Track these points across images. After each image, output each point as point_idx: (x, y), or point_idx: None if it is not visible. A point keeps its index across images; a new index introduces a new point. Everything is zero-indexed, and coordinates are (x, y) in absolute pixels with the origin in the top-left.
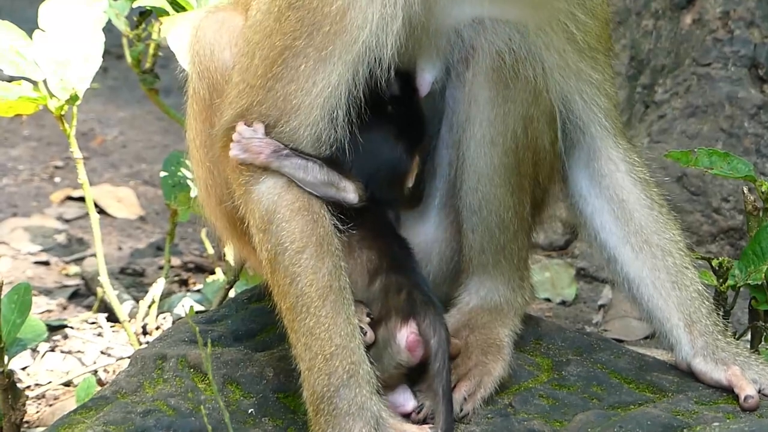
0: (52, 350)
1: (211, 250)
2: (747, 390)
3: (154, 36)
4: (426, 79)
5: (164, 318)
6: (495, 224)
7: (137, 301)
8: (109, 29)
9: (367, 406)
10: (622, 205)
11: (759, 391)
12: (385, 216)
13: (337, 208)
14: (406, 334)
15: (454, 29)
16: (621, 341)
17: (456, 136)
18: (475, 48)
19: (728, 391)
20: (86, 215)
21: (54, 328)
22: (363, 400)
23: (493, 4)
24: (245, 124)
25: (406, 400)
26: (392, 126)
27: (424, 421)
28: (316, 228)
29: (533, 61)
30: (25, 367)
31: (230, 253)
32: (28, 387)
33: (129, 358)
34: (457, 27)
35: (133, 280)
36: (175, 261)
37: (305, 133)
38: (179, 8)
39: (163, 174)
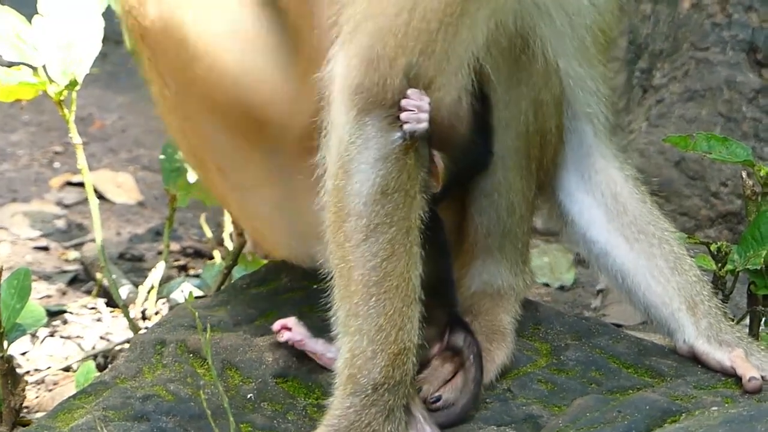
0: (52, 335)
1: (210, 235)
2: (751, 371)
3: None
4: None
5: (163, 303)
6: (503, 208)
7: (136, 286)
8: (108, 15)
9: (401, 409)
10: (616, 198)
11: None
12: (438, 215)
13: None
14: (438, 348)
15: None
16: (620, 326)
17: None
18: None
19: (728, 376)
20: (85, 200)
21: (53, 314)
22: (400, 403)
23: None
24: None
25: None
26: (477, 121)
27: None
28: (419, 210)
29: (548, 45)
30: (25, 353)
31: (229, 238)
32: (28, 372)
33: (128, 343)
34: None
35: (132, 265)
36: (174, 246)
37: (446, 99)
38: None
39: (162, 159)
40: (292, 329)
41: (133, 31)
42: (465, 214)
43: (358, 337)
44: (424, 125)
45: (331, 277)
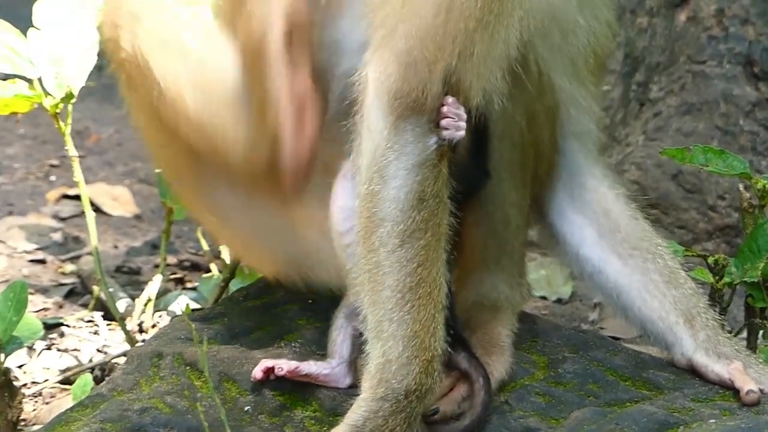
0: (49, 348)
1: (206, 248)
2: (749, 384)
3: None
4: None
5: (160, 316)
6: (499, 219)
7: (133, 299)
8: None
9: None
10: (608, 215)
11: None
12: None
13: None
14: None
15: None
16: (617, 339)
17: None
18: None
19: (726, 388)
20: (82, 213)
21: (50, 326)
22: (421, 411)
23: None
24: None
25: None
26: (475, 140)
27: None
28: (447, 215)
29: (542, 60)
30: (22, 365)
31: (226, 251)
32: (25, 385)
33: (125, 356)
34: None
35: (129, 278)
36: (171, 259)
37: (478, 102)
38: None
39: (158, 172)
40: (275, 366)
41: (111, 58)
42: (461, 226)
43: (393, 342)
44: (462, 133)
45: (361, 282)
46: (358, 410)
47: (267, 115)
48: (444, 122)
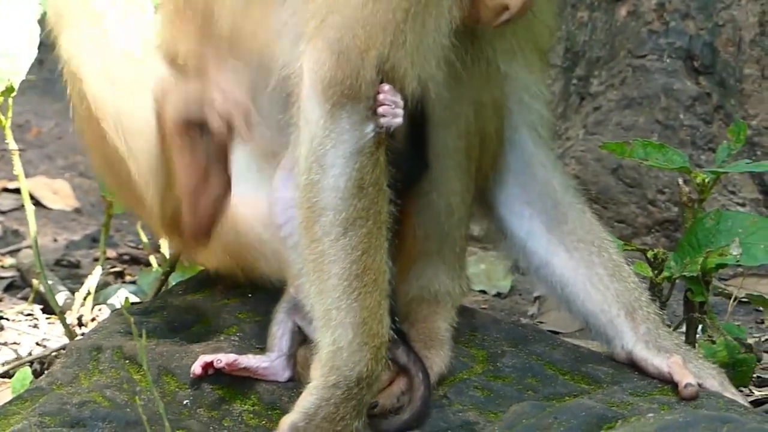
0: None
1: (146, 241)
2: (688, 378)
3: None
4: None
5: (100, 310)
6: (442, 209)
7: (73, 292)
8: (45, 21)
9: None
10: (556, 207)
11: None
12: None
13: None
14: None
15: None
16: (556, 333)
17: (422, 114)
18: None
19: (665, 383)
20: (22, 207)
21: None
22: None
23: None
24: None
25: None
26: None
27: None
28: (387, 202)
29: (489, 47)
30: None
31: (165, 245)
32: None
33: (65, 349)
34: None
35: (68, 271)
36: (111, 253)
37: (414, 90)
38: None
39: None
40: (213, 360)
41: (53, 46)
42: (403, 216)
43: (342, 330)
44: (399, 120)
45: (305, 273)
46: (309, 397)
47: (173, 179)
48: (381, 110)
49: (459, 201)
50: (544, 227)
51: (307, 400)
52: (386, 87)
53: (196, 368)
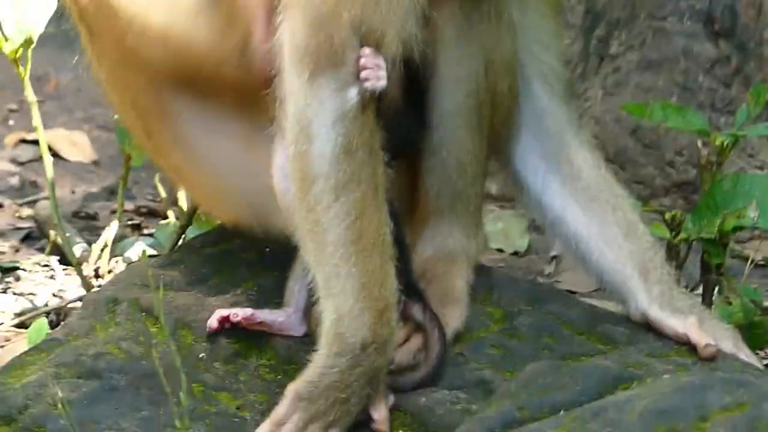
0: (4, 292)
1: (164, 195)
2: (706, 338)
3: None
4: None
5: (117, 262)
6: (453, 167)
7: (90, 244)
8: None
9: (383, 373)
10: (570, 163)
11: None
12: None
13: None
14: None
15: None
16: (573, 292)
17: (421, 74)
18: None
19: (680, 343)
20: (40, 158)
21: (6, 270)
22: (383, 366)
23: None
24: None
25: None
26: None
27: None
28: (383, 167)
29: (498, 3)
30: None
31: (183, 198)
32: None
33: (81, 300)
34: None
35: (86, 223)
36: (128, 205)
37: (396, 51)
38: None
39: (116, 118)
40: (230, 314)
41: (71, 11)
42: (415, 176)
43: (343, 297)
44: (383, 82)
45: (303, 243)
46: (315, 367)
47: (235, 20)
48: (363, 74)
49: (471, 159)
50: (558, 182)
51: (312, 369)
52: (367, 50)
53: (213, 322)
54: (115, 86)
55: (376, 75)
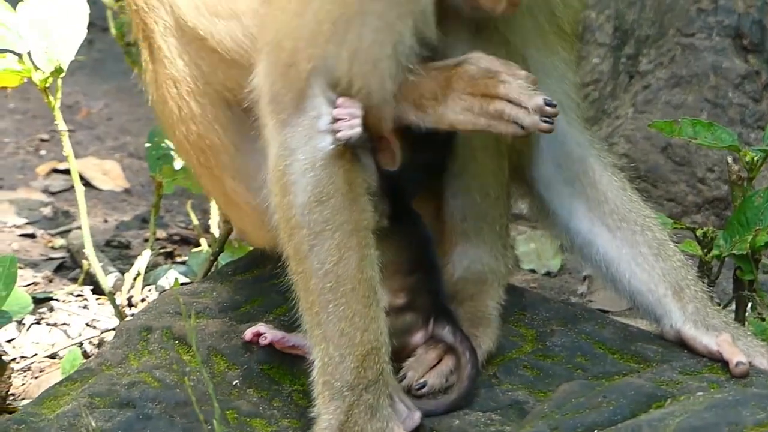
0: (38, 323)
1: (196, 222)
2: (738, 356)
3: None
4: None
5: (149, 290)
6: (476, 189)
7: (123, 273)
8: (94, 1)
9: (385, 405)
10: (595, 186)
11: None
12: (412, 208)
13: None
14: (422, 335)
15: None
16: (606, 312)
17: None
18: (448, 12)
19: (714, 361)
20: (72, 188)
21: (40, 301)
22: (383, 400)
23: None
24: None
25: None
26: None
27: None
28: (366, 212)
29: (512, 27)
30: (11, 340)
31: (215, 225)
32: (14, 359)
33: (114, 330)
34: None
35: (118, 252)
36: (161, 233)
37: (377, 97)
38: None
39: (147, 146)
40: (266, 333)
41: (136, 29)
42: (441, 200)
43: (324, 344)
44: (358, 130)
45: (295, 292)
46: (320, 419)
47: None
48: (335, 125)
49: (492, 180)
50: (584, 207)
51: (319, 423)
52: (341, 100)
53: (247, 334)
54: (174, 112)
55: (349, 124)
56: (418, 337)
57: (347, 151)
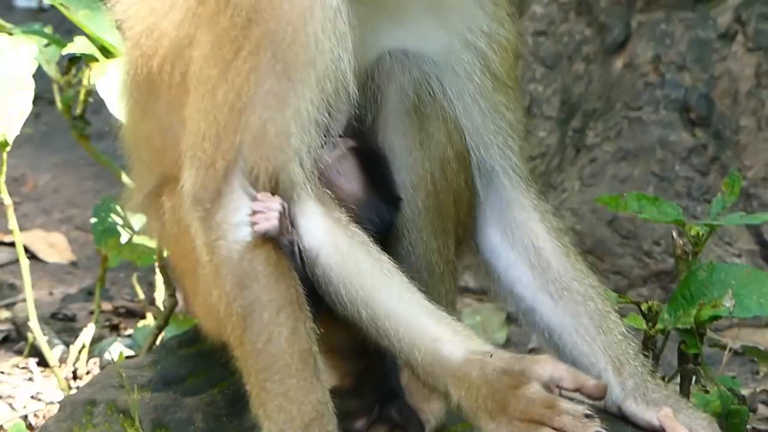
0: None
1: (141, 296)
2: (680, 430)
3: (85, 82)
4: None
5: (95, 363)
6: (423, 268)
7: (68, 346)
8: (41, 75)
9: None
10: (539, 253)
11: None
12: None
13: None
14: (364, 422)
15: (364, 68)
16: None
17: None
18: (384, 88)
19: None
20: (17, 260)
21: None
22: None
23: (415, 27)
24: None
25: None
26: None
27: None
28: (292, 288)
29: (448, 97)
30: None
31: (161, 299)
32: None
33: (59, 403)
34: (368, 65)
35: (64, 325)
36: (106, 306)
37: (297, 179)
38: (109, 54)
39: (93, 220)
40: None
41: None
42: None
43: (267, 422)
44: (274, 223)
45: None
46: None
47: None
48: (252, 218)
49: (438, 257)
50: (528, 273)
51: None
52: (260, 195)
53: None
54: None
55: (266, 217)
56: (359, 424)
57: (266, 240)
